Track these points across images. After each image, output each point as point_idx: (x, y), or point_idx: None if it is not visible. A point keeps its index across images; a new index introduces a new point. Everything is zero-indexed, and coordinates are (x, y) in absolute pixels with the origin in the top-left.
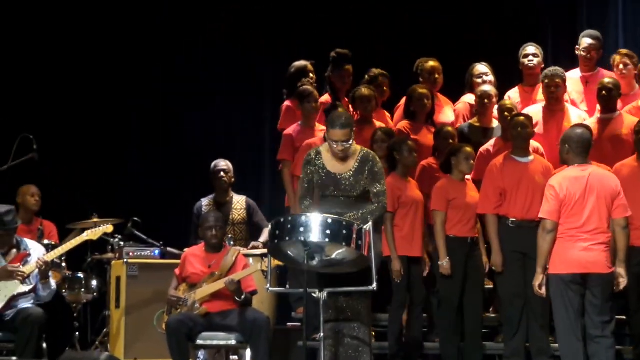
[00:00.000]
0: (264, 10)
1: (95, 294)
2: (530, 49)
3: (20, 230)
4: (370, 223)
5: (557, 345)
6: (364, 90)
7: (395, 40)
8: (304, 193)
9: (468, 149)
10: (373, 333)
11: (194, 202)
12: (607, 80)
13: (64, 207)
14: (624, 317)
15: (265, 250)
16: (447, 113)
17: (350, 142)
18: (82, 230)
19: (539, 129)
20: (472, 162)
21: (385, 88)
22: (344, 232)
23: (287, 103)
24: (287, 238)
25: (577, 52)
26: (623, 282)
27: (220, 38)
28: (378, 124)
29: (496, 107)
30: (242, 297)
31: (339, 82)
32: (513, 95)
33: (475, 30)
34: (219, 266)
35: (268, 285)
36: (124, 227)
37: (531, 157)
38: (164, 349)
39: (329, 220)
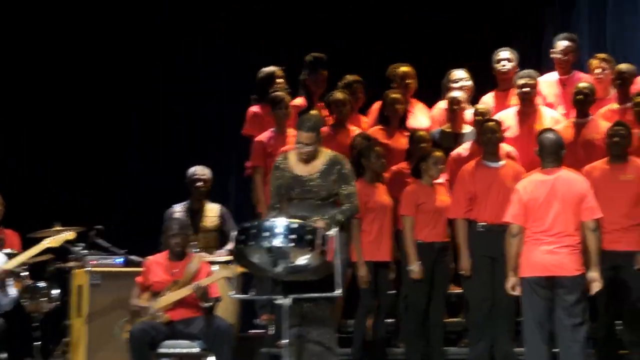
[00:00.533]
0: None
1: (56, 303)
2: (504, 53)
3: None
4: (335, 229)
5: (522, 349)
6: (339, 95)
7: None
8: (273, 201)
9: (437, 153)
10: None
11: None
12: (583, 84)
13: (27, 215)
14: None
15: (229, 257)
16: (420, 118)
17: (315, 146)
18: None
19: (512, 132)
20: (440, 167)
21: (359, 94)
22: (309, 237)
23: (253, 108)
24: (252, 243)
25: (552, 55)
26: (596, 286)
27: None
28: (354, 129)
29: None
30: (208, 303)
31: (314, 86)
32: (487, 100)
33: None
34: (182, 274)
35: (232, 292)
36: (86, 235)
37: (502, 162)
38: (125, 358)
39: (294, 226)
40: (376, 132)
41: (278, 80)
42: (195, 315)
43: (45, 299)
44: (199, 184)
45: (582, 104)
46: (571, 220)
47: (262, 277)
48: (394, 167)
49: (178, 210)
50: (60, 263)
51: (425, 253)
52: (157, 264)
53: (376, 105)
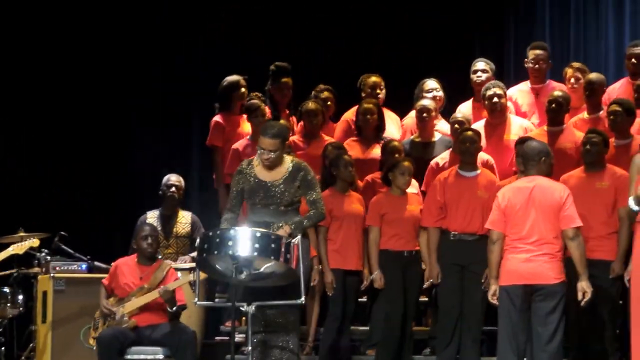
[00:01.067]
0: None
1: (21, 308)
2: (480, 64)
3: None
4: (299, 237)
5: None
6: (311, 105)
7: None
8: (230, 204)
9: (405, 163)
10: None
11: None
12: (557, 93)
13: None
14: None
15: (194, 264)
16: (390, 128)
17: (278, 153)
18: (8, 245)
19: (482, 143)
20: (408, 176)
21: (330, 103)
22: (272, 245)
23: (216, 118)
24: (216, 252)
25: (525, 65)
26: (586, 295)
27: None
28: (327, 138)
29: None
30: (175, 307)
31: (278, 95)
32: (465, 109)
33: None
34: (149, 279)
35: (196, 298)
36: (51, 241)
37: (477, 172)
38: None
39: (257, 234)
40: (351, 142)
41: (242, 90)
42: (160, 321)
43: (10, 304)
44: (172, 190)
45: (555, 113)
46: (550, 228)
47: (227, 284)
48: (368, 177)
49: (150, 216)
50: (25, 269)
51: (393, 261)
52: (126, 266)
53: (347, 114)
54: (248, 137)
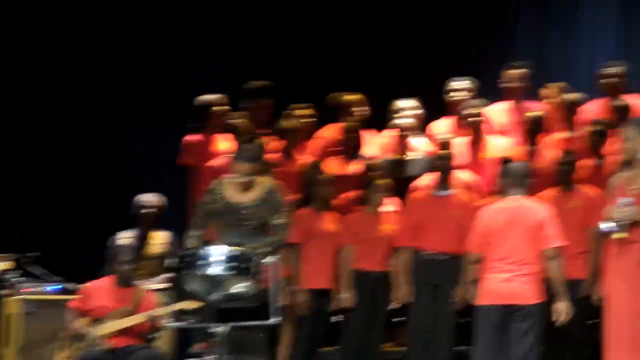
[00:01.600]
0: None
1: None
2: (453, 84)
3: None
4: (272, 257)
5: None
6: (287, 123)
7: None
8: (196, 221)
9: (381, 182)
10: None
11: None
12: (532, 113)
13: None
14: None
15: (167, 285)
16: (369, 147)
17: (251, 177)
18: None
19: (460, 161)
20: (381, 195)
21: (308, 121)
22: (245, 265)
23: (189, 137)
24: (189, 270)
25: (501, 84)
26: (563, 316)
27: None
28: (304, 157)
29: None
30: (156, 333)
31: (257, 114)
32: (442, 127)
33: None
34: (129, 302)
35: (169, 319)
36: (21, 261)
37: (452, 191)
38: None
39: (231, 254)
40: (331, 160)
41: (215, 109)
42: (135, 343)
43: None
44: (144, 211)
45: (531, 133)
46: (530, 248)
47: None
48: (345, 195)
49: (125, 236)
50: None
51: (364, 281)
52: (100, 289)
53: (324, 132)
54: (228, 154)
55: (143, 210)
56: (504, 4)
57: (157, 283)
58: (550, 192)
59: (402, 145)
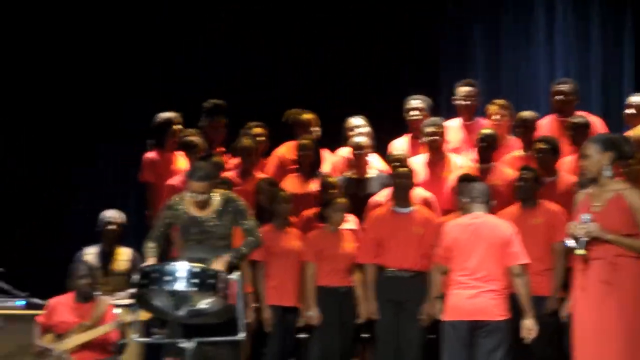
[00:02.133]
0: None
1: None
2: (413, 102)
3: None
4: (238, 273)
5: None
6: (245, 141)
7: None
8: (154, 235)
9: (340, 200)
10: None
11: None
12: (486, 131)
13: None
14: None
15: (132, 300)
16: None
17: (206, 195)
18: None
19: (421, 179)
20: (341, 213)
21: (262, 139)
22: (211, 281)
23: (149, 154)
24: (154, 287)
25: (454, 102)
26: (529, 332)
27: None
28: (260, 175)
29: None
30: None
31: (213, 133)
32: (401, 145)
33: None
34: (89, 316)
35: (135, 335)
36: None
37: (412, 208)
38: None
39: (196, 270)
40: (289, 178)
41: (175, 127)
42: (101, 358)
43: None
44: (109, 227)
45: (484, 150)
46: (495, 264)
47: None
48: (304, 213)
49: (89, 252)
50: None
51: (329, 298)
52: (62, 305)
53: (279, 150)
54: (185, 172)
55: (107, 226)
56: (456, 20)
57: (122, 298)
58: (512, 209)
59: (360, 163)
